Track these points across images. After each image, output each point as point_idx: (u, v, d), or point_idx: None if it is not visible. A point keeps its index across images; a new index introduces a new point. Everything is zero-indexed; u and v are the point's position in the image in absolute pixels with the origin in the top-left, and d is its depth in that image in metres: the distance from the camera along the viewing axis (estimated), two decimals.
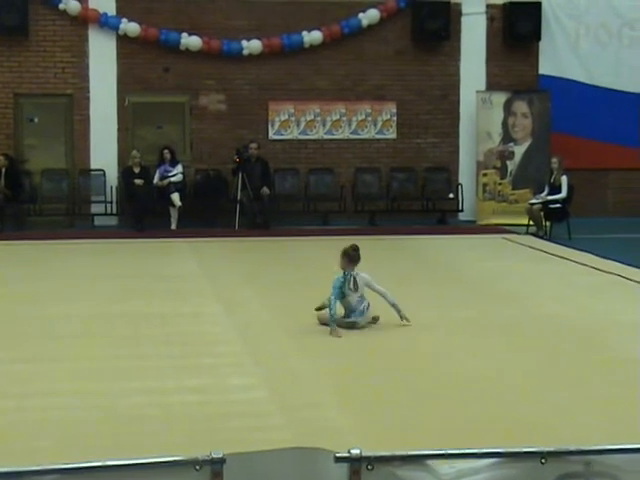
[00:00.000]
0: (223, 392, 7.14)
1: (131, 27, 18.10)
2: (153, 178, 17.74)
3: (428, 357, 8.28)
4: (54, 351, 8.40)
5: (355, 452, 3.28)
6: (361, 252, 9.25)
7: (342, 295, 9.10)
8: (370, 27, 18.79)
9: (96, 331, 9.15)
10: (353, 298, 9.11)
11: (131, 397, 6.96)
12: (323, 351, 8.43)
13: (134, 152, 17.78)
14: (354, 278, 9.13)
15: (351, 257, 9.15)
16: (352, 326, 9.13)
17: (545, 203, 16.70)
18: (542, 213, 16.73)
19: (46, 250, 14.95)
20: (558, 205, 16.61)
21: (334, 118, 18.95)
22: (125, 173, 17.84)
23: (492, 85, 19.13)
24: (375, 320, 9.33)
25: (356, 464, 3.27)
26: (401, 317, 9.19)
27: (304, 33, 18.52)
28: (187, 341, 8.75)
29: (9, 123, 18.23)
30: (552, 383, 7.40)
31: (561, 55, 19.24)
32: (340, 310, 9.17)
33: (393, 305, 9.21)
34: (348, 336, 8.94)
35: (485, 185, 18.76)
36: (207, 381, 7.40)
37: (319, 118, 18.90)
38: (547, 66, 19.24)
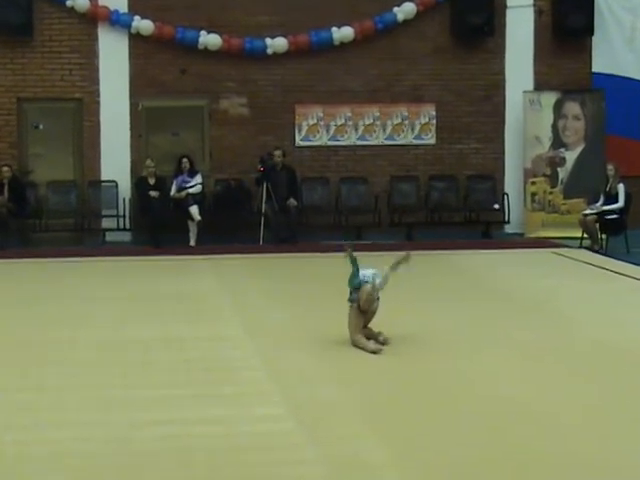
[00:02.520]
0: (248, 423, 7.15)
1: (144, 25, 18.22)
2: (169, 190, 17.80)
3: (473, 382, 8.25)
4: (63, 379, 8.43)
5: None
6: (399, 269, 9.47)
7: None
8: (406, 22, 18.83)
9: (108, 357, 9.19)
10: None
11: (148, 428, 6.98)
12: (355, 377, 8.42)
13: (148, 161, 17.86)
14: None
15: None
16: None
17: (600, 214, 16.63)
18: (597, 225, 16.66)
19: (53, 269, 15.04)
20: (615, 216, 16.55)
21: (367, 122, 18.98)
22: (139, 184, 17.92)
23: (540, 85, 19.10)
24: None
25: None
26: (398, 264, 9.43)
27: (334, 29, 18.58)
28: (207, 367, 8.77)
29: (12, 131, 18.37)
30: (615, 418, 7.31)
31: (616, 51, 19.19)
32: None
33: (394, 268, 9.41)
34: (382, 359, 8.94)
35: (534, 194, 18.72)
36: (230, 411, 7.41)
37: (350, 122, 18.94)
38: (601, 63, 19.19)
